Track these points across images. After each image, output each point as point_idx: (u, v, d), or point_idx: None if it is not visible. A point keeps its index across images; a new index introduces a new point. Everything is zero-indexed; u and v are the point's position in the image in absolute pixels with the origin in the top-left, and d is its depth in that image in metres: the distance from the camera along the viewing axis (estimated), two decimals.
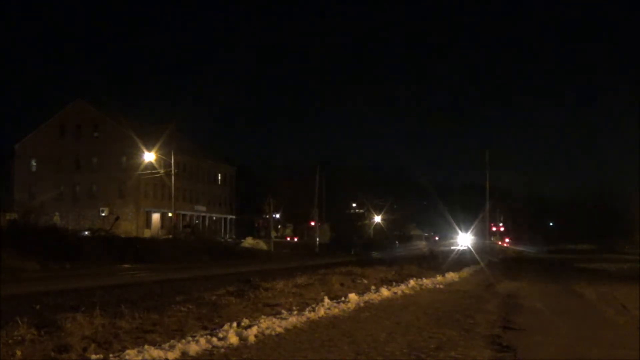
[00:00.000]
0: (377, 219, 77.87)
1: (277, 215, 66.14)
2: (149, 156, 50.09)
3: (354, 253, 47.52)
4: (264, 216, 67.78)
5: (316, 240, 61.17)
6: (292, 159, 74.24)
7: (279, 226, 70.13)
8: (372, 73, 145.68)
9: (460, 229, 56.21)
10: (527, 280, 19.62)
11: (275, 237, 60.20)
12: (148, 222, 59.59)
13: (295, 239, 67.01)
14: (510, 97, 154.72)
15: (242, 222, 71.98)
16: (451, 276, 19.10)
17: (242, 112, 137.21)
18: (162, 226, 59.58)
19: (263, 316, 9.06)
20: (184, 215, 61.68)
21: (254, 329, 7.90)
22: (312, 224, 65.02)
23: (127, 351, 6.45)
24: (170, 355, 6.52)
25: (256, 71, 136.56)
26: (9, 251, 24.45)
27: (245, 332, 7.67)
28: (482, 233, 59.68)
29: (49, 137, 59.33)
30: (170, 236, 46.23)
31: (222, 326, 8.09)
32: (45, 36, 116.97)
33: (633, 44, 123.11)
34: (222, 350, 6.97)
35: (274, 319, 8.80)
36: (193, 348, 6.81)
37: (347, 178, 75.41)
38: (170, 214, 55.46)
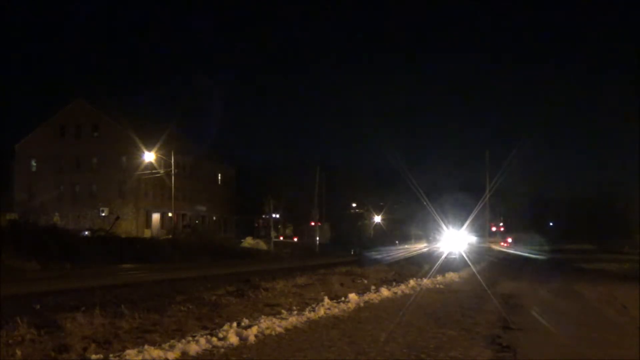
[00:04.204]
0: (377, 219, 77.94)
1: (277, 215, 66.19)
2: (149, 156, 50.11)
3: (354, 253, 47.51)
4: (264, 216, 67.84)
5: (316, 240, 61.21)
6: (292, 159, 74.35)
7: (279, 226, 70.17)
8: (372, 73, 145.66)
9: (454, 228, 54.08)
10: (526, 280, 19.61)
11: (275, 237, 60.22)
12: (148, 222, 59.59)
13: (295, 239, 67.04)
14: (509, 97, 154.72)
15: (242, 222, 71.97)
16: (451, 276, 19.11)
17: (243, 112, 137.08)
18: (162, 226, 59.59)
19: (263, 316, 9.07)
20: (184, 215, 61.71)
21: (254, 329, 7.91)
22: (312, 224, 65.06)
23: (127, 351, 6.45)
24: (170, 355, 6.53)
25: (256, 71, 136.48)
26: (9, 251, 24.50)
27: (245, 332, 7.68)
28: (482, 233, 59.53)
29: (49, 137, 59.32)
30: (170, 236, 46.28)
31: (222, 326, 8.09)
32: (45, 36, 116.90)
33: (633, 43, 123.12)
34: (222, 350, 6.97)
35: (274, 319, 8.81)
36: (193, 348, 6.81)
37: (347, 178, 75.52)
38: (170, 214, 55.49)
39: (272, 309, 10.03)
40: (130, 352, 6.39)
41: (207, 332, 7.79)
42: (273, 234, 59.13)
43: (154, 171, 53.56)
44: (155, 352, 6.49)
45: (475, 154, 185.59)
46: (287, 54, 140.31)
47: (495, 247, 57.06)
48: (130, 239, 39.05)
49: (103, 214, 56.50)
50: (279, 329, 8.21)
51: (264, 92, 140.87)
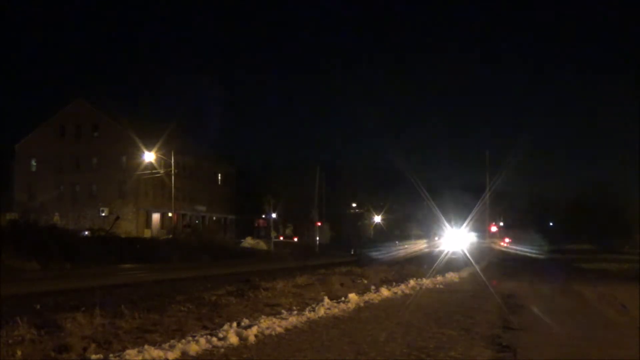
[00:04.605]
0: (377, 218, 78.01)
1: (277, 215, 66.21)
2: (149, 156, 50.13)
3: (354, 253, 47.50)
4: (263, 216, 67.85)
5: (316, 240, 61.23)
6: (292, 159, 74.52)
7: (279, 226, 70.19)
8: (372, 73, 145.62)
9: (454, 228, 53.82)
10: (527, 280, 19.60)
11: (275, 237, 60.23)
12: (148, 222, 59.58)
13: (295, 239, 67.04)
14: (509, 97, 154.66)
15: (242, 222, 71.99)
16: (451, 276, 19.11)
17: (243, 112, 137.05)
18: (162, 226, 59.59)
19: (263, 316, 9.06)
20: (184, 215, 61.70)
21: (254, 329, 7.91)
22: (312, 224, 65.07)
23: (127, 351, 6.45)
24: (170, 355, 6.53)
25: (256, 71, 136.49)
26: (9, 251, 24.53)
27: (245, 332, 7.68)
28: (482, 233, 59.48)
29: (49, 137, 59.34)
30: (170, 236, 46.31)
31: (222, 326, 8.09)
32: (45, 36, 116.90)
33: (633, 43, 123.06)
34: (222, 350, 6.97)
35: (274, 319, 8.80)
36: (193, 348, 6.81)
37: (347, 178, 75.57)
38: (170, 214, 55.50)
39: (272, 309, 10.03)
40: (130, 352, 6.39)
41: (207, 332, 7.79)
42: (273, 233, 59.18)
43: (154, 171, 53.57)
44: (155, 352, 6.49)
45: (475, 154, 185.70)
46: (287, 54, 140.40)
47: (496, 246, 57.00)
48: (130, 239, 39.05)
49: (103, 214, 56.50)
50: (279, 329, 8.20)
51: (264, 92, 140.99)
